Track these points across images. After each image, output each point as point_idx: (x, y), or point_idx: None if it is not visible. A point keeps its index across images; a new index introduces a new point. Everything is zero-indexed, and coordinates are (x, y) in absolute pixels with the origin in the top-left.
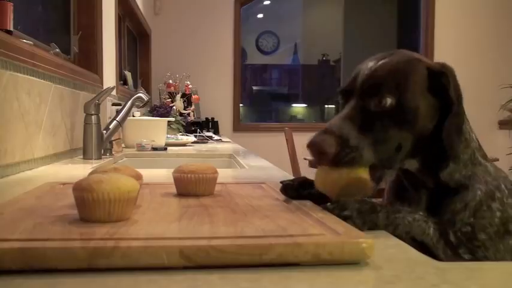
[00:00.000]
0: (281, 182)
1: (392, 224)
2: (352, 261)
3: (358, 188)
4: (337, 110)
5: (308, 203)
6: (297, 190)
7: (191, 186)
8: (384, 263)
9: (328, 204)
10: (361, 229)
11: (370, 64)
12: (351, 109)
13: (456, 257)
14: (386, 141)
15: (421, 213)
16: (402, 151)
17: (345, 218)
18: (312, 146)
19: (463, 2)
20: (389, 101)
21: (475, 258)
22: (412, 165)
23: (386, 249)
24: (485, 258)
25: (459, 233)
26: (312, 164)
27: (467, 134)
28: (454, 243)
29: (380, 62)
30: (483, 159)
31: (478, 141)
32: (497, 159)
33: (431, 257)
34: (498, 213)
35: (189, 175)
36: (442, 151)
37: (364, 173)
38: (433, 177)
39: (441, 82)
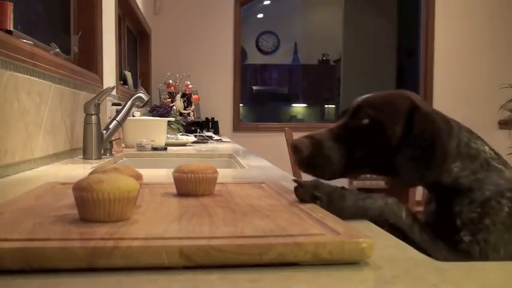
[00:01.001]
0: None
1: (360, 210)
2: (352, 261)
3: None
4: (337, 110)
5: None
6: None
7: (191, 186)
8: (384, 263)
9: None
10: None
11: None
12: (337, 125)
13: (433, 241)
14: (359, 152)
15: (393, 198)
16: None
17: (314, 198)
18: (290, 145)
19: (464, 2)
20: (365, 120)
21: (475, 239)
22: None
23: (387, 249)
24: (485, 242)
25: (464, 218)
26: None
27: (473, 148)
28: (459, 226)
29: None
30: (502, 166)
31: (493, 150)
32: None
33: (404, 241)
34: (507, 208)
35: (189, 175)
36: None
37: None
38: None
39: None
